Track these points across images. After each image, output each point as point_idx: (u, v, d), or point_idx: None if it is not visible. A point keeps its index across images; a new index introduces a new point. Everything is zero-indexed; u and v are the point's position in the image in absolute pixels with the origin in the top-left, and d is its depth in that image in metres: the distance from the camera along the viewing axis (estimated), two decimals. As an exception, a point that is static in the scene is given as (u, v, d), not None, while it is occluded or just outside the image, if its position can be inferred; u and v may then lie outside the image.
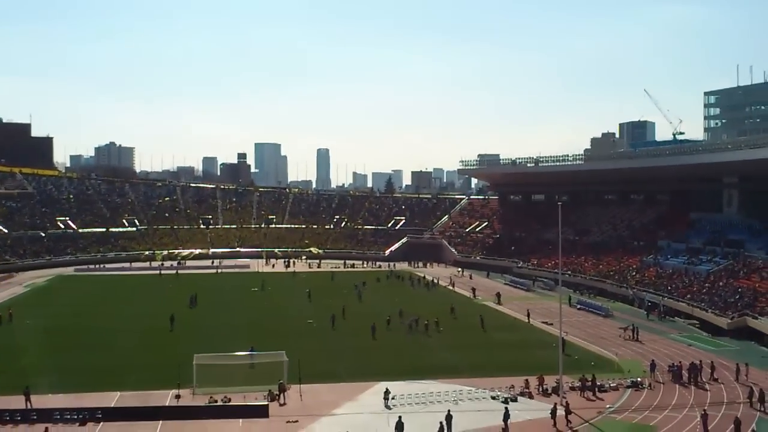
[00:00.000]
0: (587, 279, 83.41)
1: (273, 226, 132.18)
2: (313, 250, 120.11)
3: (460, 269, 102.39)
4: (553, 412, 34.51)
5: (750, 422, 34.11)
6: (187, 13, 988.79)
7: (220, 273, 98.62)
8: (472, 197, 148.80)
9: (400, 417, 32.81)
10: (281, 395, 37.87)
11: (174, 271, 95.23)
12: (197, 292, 72.20)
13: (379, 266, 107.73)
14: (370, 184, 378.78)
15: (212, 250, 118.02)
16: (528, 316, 63.01)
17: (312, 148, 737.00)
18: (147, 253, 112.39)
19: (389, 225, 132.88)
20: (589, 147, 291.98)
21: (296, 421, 34.52)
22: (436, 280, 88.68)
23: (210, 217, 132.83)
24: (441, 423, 32.13)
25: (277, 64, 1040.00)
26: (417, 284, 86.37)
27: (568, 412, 34.75)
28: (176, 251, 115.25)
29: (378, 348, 51.39)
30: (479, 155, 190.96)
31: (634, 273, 78.74)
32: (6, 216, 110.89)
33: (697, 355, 48.22)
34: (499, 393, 39.11)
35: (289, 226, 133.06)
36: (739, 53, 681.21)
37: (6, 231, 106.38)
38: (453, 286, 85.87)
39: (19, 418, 34.16)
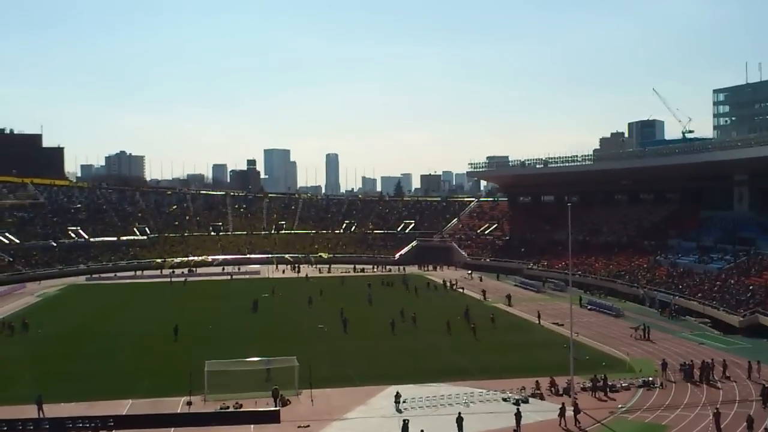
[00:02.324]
0: (598, 279, 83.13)
1: (283, 231, 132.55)
2: (323, 254, 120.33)
3: (470, 271, 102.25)
4: (562, 412, 34.42)
5: (763, 420, 33.83)
6: (194, 20, 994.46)
7: (233, 279, 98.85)
8: (481, 199, 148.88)
9: (405, 420, 32.73)
10: (276, 402, 37.69)
11: (183, 279, 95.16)
12: (258, 298, 73.35)
13: (389, 270, 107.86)
14: (379, 188, 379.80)
15: (221, 256, 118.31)
16: (539, 317, 62.92)
17: (321, 153, 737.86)
18: (158, 260, 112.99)
19: (399, 229, 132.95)
20: (598, 147, 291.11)
21: (308, 426, 34.56)
22: (449, 283, 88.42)
23: (220, 223, 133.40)
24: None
25: (285, 69, 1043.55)
26: (428, 288, 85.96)
27: (576, 411, 34.61)
28: (185, 258, 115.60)
29: (389, 351, 51.41)
30: (488, 157, 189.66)
31: (644, 272, 78.38)
32: (18, 226, 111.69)
33: (709, 353, 47.91)
34: (510, 394, 39.01)
35: (299, 231, 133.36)
36: (747, 50, 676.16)
37: (18, 241, 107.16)
38: (459, 289, 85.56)
39: (31, 428, 34.37)
